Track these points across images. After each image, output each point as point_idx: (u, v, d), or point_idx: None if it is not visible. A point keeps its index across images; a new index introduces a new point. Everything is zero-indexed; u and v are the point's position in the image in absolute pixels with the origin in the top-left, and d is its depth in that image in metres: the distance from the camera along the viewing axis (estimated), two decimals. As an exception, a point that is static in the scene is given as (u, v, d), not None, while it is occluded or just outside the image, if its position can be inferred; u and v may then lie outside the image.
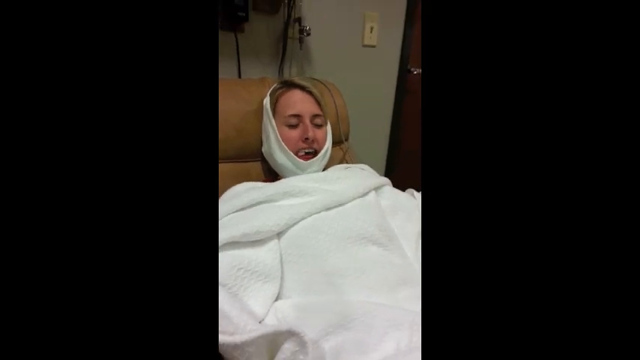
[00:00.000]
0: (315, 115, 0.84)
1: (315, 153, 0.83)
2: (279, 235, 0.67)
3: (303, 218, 0.67)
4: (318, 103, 0.85)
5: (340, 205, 0.71)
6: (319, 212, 0.69)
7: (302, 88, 0.85)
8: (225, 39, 1.08)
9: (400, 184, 0.92)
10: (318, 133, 0.84)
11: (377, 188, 0.82)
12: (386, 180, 0.87)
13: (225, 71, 1.11)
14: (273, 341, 0.46)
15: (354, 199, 0.74)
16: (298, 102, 0.83)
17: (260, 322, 0.58)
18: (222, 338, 0.42)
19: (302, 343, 0.45)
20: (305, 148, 0.82)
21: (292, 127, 0.82)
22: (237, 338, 0.43)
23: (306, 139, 0.81)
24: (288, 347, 0.46)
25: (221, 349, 0.43)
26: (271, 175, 0.93)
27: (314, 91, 0.85)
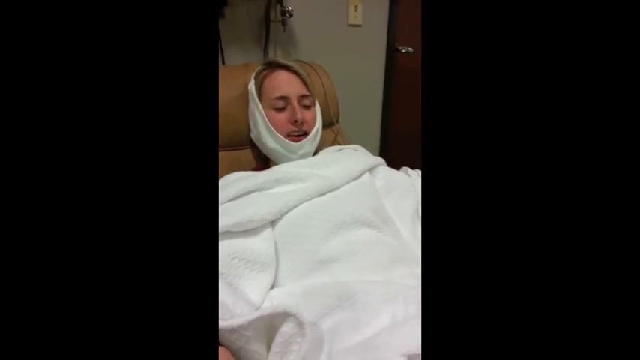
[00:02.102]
0: (303, 96, 0.81)
1: (305, 134, 0.80)
2: (273, 223, 0.66)
3: (295, 206, 0.66)
4: (305, 82, 0.82)
5: (333, 189, 0.70)
6: (312, 199, 0.68)
7: (287, 67, 0.82)
8: (205, 25, 1.04)
9: (394, 164, 0.90)
10: (307, 114, 0.81)
11: (371, 169, 0.81)
12: (380, 160, 0.86)
13: (208, 59, 1.07)
14: (271, 325, 0.46)
15: (348, 182, 0.73)
16: (284, 83, 0.80)
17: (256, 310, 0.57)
18: (220, 322, 0.42)
19: (299, 324, 0.45)
20: (294, 131, 0.79)
21: (279, 109, 0.80)
22: (233, 322, 0.42)
23: (295, 121, 0.78)
24: (285, 330, 0.45)
25: (218, 334, 0.42)
26: (262, 161, 0.90)
27: (299, 70, 0.82)
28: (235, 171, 0.78)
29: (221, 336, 0.43)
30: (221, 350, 0.43)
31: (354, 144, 0.97)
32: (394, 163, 0.92)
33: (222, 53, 1.08)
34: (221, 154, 0.88)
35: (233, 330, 0.43)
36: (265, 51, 1.15)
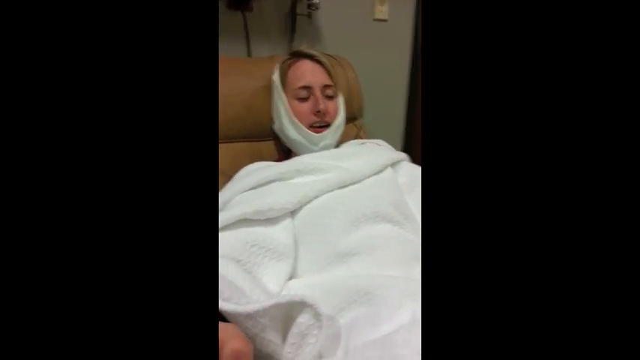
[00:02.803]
0: (326, 86, 0.80)
1: (327, 125, 0.80)
2: (293, 213, 0.66)
3: (316, 196, 0.65)
4: (329, 72, 0.81)
5: (355, 182, 0.69)
6: (333, 190, 0.67)
7: (311, 57, 0.81)
8: (232, 18, 1.05)
9: (418, 162, 0.88)
10: (330, 104, 0.80)
11: (394, 164, 0.79)
12: (403, 155, 0.84)
13: (234, 52, 1.08)
14: (288, 314, 0.45)
15: (370, 176, 0.71)
16: (307, 72, 0.79)
17: None
18: (235, 307, 0.41)
19: (317, 316, 0.44)
20: (317, 122, 0.79)
21: (302, 99, 0.79)
22: (249, 307, 0.41)
23: (318, 111, 0.77)
24: (302, 321, 0.44)
25: (234, 320, 0.42)
26: (284, 153, 0.90)
27: (323, 60, 0.81)
28: (257, 161, 0.78)
29: (237, 322, 0.42)
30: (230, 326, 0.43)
31: (376, 139, 0.96)
32: (417, 161, 0.90)
33: (248, 46, 1.08)
34: (243, 144, 0.89)
35: (249, 316, 0.42)
36: (291, 44, 1.15)
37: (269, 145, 0.92)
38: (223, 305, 0.40)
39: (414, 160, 0.88)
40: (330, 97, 0.81)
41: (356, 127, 1.04)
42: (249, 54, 1.09)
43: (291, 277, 0.62)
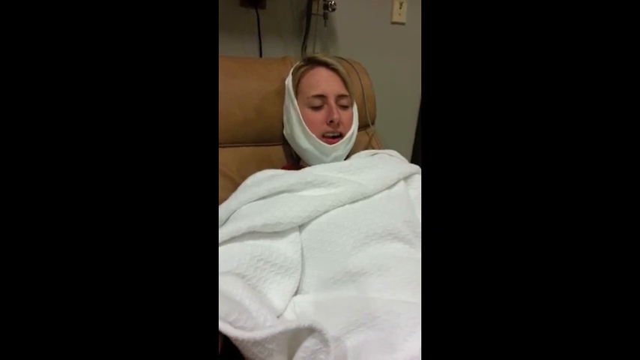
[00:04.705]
0: (341, 96, 0.77)
1: (340, 136, 0.77)
2: (301, 227, 0.64)
3: (326, 211, 0.64)
4: (344, 82, 0.79)
5: (366, 197, 0.67)
6: (344, 205, 0.65)
7: (327, 65, 0.78)
8: (245, 16, 1.02)
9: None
10: (344, 115, 0.78)
11: (406, 177, 0.76)
12: (416, 168, 0.81)
13: (246, 50, 1.05)
14: (294, 337, 0.44)
15: (381, 190, 0.69)
16: (322, 81, 0.77)
17: (278, 317, 0.56)
18: (242, 334, 0.40)
19: (324, 341, 0.43)
20: (330, 132, 0.76)
21: (316, 108, 0.77)
22: (257, 334, 0.40)
23: (331, 121, 0.75)
24: (308, 345, 0.43)
25: (240, 346, 0.41)
26: (293, 159, 0.88)
27: (340, 68, 0.78)
28: (265, 167, 0.76)
29: (243, 347, 0.41)
30: None
31: (387, 147, 0.93)
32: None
33: (260, 44, 1.05)
34: (251, 149, 0.86)
35: (257, 342, 0.41)
36: (304, 45, 1.12)
37: (278, 150, 0.90)
38: (230, 330, 0.39)
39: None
40: (345, 107, 0.78)
41: (368, 134, 1.01)
42: (260, 53, 1.07)
43: (296, 292, 0.61)
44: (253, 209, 0.62)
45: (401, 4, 1.29)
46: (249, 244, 0.57)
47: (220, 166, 0.79)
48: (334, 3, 1.07)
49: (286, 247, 0.60)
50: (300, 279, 0.61)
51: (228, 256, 0.54)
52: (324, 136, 0.76)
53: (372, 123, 1.03)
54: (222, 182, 0.78)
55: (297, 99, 0.78)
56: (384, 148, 0.91)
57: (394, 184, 0.72)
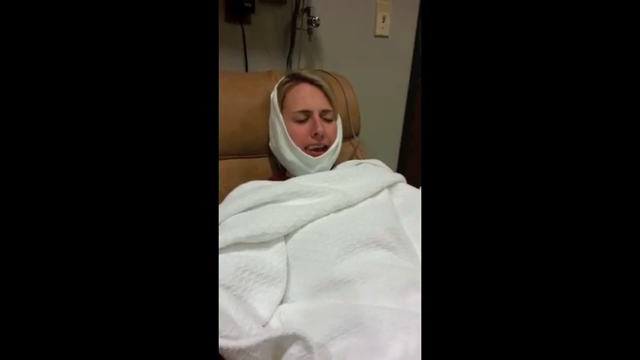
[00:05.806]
0: (325, 111, 0.80)
1: (324, 148, 0.79)
2: (286, 237, 0.65)
3: (311, 220, 0.65)
4: (328, 97, 0.81)
5: (350, 206, 0.68)
6: (328, 214, 0.66)
7: (311, 81, 0.81)
8: (231, 31, 1.04)
9: (414, 181, 0.87)
10: (328, 127, 0.80)
11: (390, 186, 0.78)
12: (400, 177, 0.83)
13: (232, 64, 1.07)
14: (279, 345, 0.45)
15: (365, 199, 0.71)
16: (307, 97, 0.79)
17: (264, 326, 0.56)
18: (226, 343, 0.40)
19: (308, 348, 0.44)
20: (314, 144, 0.78)
21: (301, 122, 0.79)
22: (241, 343, 0.41)
23: (316, 134, 0.77)
24: (293, 352, 0.44)
25: (225, 354, 0.41)
26: (279, 171, 0.89)
27: (323, 84, 0.81)
28: (251, 178, 0.77)
29: (228, 356, 0.42)
30: None
31: (372, 156, 0.95)
32: (414, 179, 0.89)
33: (246, 59, 1.07)
34: (237, 161, 0.88)
35: (241, 351, 0.41)
36: (289, 59, 1.15)
37: (264, 162, 0.91)
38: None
39: (410, 177, 0.88)
40: (329, 121, 0.81)
41: (352, 145, 1.03)
42: (246, 67, 1.08)
43: (282, 301, 0.62)
44: (239, 221, 0.63)
45: (384, 17, 1.33)
46: (235, 256, 0.58)
47: (207, 179, 0.80)
48: (318, 19, 1.10)
49: (272, 257, 0.61)
50: (286, 288, 0.62)
51: None
52: (308, 149, 0.78)
53: (357, 134, 1.05)
54: (209, 194, 0.78)
55: (282, 113, 0.80)
56: (368, 158, 0.93)
57: (378, 193, 0.74)
